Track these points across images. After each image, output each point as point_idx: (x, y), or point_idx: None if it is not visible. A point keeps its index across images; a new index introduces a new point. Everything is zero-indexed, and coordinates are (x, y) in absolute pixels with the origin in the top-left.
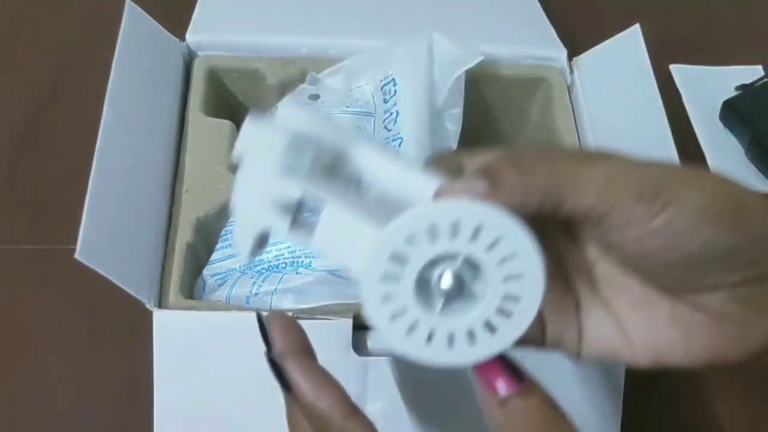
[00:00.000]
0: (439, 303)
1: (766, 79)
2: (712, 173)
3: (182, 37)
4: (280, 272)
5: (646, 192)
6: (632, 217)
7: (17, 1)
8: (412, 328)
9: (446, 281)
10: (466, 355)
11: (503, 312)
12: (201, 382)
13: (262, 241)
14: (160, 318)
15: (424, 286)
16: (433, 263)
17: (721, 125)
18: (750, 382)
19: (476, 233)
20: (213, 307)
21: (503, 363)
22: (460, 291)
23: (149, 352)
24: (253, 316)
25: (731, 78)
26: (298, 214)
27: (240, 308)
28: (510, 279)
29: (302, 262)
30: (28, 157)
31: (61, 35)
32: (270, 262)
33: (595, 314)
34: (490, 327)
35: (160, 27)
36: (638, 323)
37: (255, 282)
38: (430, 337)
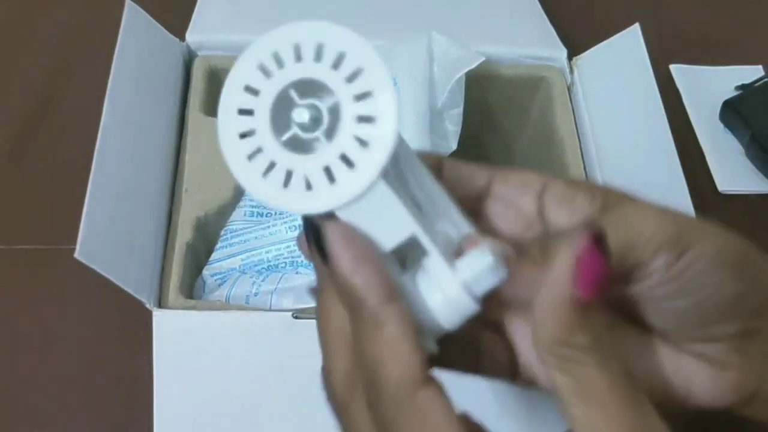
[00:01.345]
0: (306, 146)
1: (766, 79)
2: (715, 225)
3: (182, 37)
4: (279, 272)
5: (667, 241)
6: (653, 267)
7: (17, 1)
8: (268, 169)
9: (300, 114)
10: (324, 198)
11: (359, 142)
12: (201, 382)
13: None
14: (160, 318)
15: (285, 128)
16: (288, 103)
17: (721, 125)
18: None
19: (318, 54)
20: (213, 307)
21: (608, 267)
22: (321, 127)
23: (149, 352)
24: (253, 316)
25: (731, 78)
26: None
27: (240, 308)
28: (360, 99)
29: (302, 261)
30: (28, 157)
31: (61, 35)
32: (270, 261)
33: None
34: (346, 160)
35: (160, 27)
36: (639, 373)
37: (255, 282)
38: (287, 180)
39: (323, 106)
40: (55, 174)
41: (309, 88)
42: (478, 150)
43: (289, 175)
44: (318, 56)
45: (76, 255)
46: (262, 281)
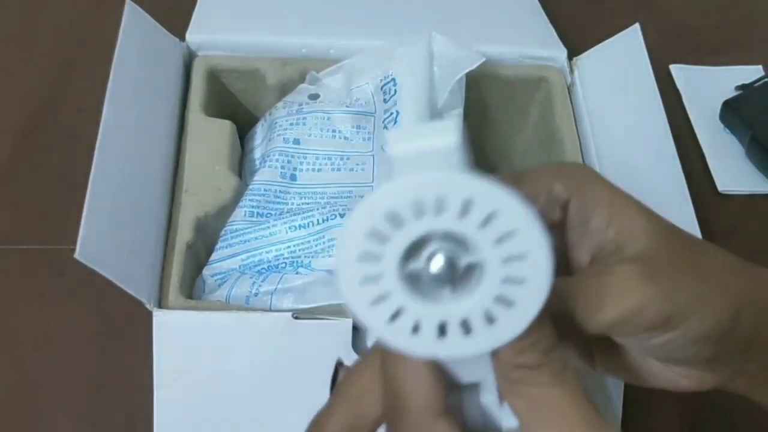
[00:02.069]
0: (429, 290)
1: (766, 79)
2: (715, 286)
3: (182, 37)
4: (279, 272)
5: (659, 324)
6: (634, 337)
7: (17, 1)
8: (395, 315)
9: (436, 264)
10: (459, 347)
11: (503, 300)
12: (201, 382)
13: None
14: (160, 318)
15: (413, 273)
16: (420, 245)
17: (721, 125)
18: None
19: (466, 208)
20: (213, 307)
21: None
22: (454, 277)
23: (149, 352)
24: (253, 316)
25: (731, 78)
26: None
27: (240, 308)
28: (510, 261)
29: (302, 262)
30: (28, 157)
31: (61, 35)
32: (270, 262)
33: None
34: (488, 317)
35: (160, 27)
36: (603, 357)
37: (255, 282)
38: (416, 327)
39: (461, 262)
40: (55, 174)
41: (447, 241)
42: (478, 150)
43: (399, 312)
44: (464, 211)
45: (76, 255)
46: (262, 281)
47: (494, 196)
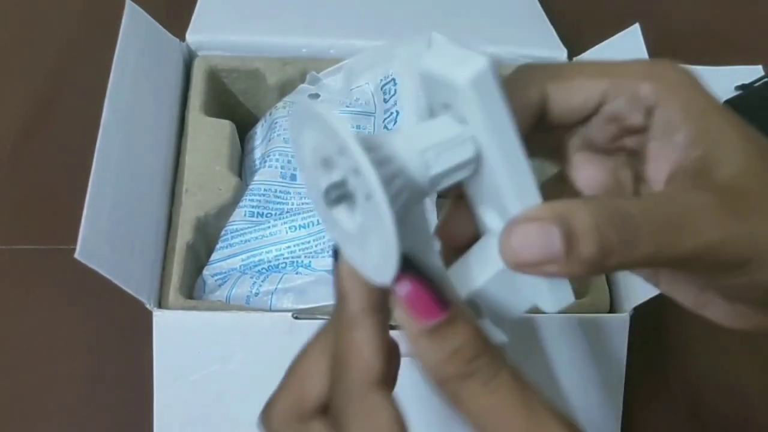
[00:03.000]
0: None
1: (766, 79)
2: None
3: (182, 37)
4: (280, 272)
5: (730, 265)
6: (710, 278)
7: (17, 1)
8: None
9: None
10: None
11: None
12: (201, 382)
13: None
14: (160, 318)
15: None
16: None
17: None
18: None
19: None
20: (213, 307)
21: (427, 287)
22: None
23: (149, 352)
24: (253, 316)
25: (731, 78)
26: None
27: (240, 308)
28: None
29: (302, 262)
30: (28, 158)
31: (61, 35)
32: (270, 262)
33: None
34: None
35: (160, 27)
36: (666, 278)
37: (255, 282)
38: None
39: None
40: (55, 174)
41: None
42: None
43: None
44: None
45: (76, 255)
46: (263, 281)
47: (351, 157)
